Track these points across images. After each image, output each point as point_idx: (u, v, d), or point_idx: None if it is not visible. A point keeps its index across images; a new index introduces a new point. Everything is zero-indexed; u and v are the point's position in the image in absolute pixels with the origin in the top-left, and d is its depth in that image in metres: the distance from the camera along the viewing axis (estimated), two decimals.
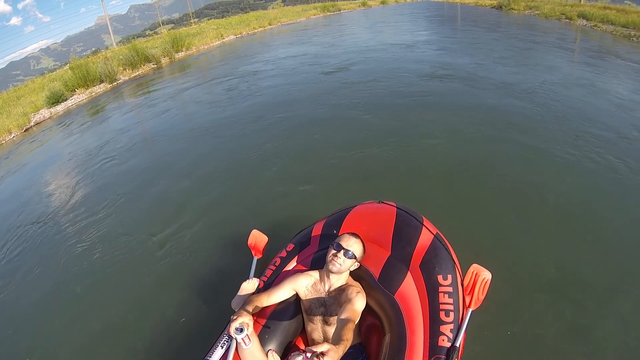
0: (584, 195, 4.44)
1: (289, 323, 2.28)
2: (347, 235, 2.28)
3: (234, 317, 1.95)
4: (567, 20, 17.57)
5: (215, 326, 2.47)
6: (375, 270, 2.34)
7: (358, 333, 2.24)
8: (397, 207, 2.59)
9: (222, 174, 5.63)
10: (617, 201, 4.30)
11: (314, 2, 41.93)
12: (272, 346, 2.16)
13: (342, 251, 2.19)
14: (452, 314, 2.10)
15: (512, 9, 23.36)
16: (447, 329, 2.04)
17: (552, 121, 5.95)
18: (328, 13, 31.73)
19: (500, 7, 25.05)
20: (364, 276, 2.36)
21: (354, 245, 2.22)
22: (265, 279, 2.49)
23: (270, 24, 25.93)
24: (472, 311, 2.20)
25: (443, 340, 2.00)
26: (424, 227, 2.45)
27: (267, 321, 2.22)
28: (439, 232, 2.45)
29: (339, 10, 33.71)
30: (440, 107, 6.89)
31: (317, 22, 26.05)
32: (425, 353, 1.97)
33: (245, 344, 1.91)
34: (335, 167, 5.33)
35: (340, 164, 5.36)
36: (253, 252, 2.79)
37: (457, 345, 1.99)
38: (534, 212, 4.27)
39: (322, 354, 1.59)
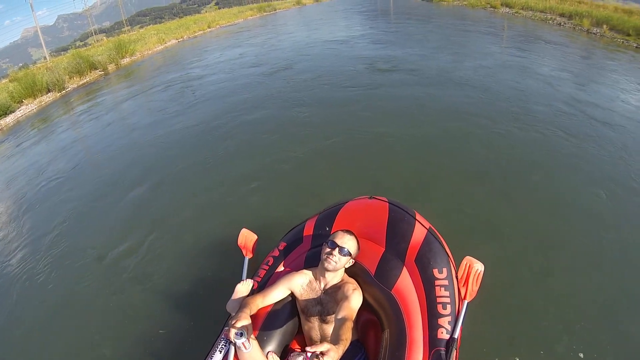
0: (563, 180, 4.62)
1: (285, 324, 2.26)
2: (341, 232, 2.26)
3: (233, 322, 1.93)
4: (492, 9, 18.73)
5: (211, 330, 2.45)
6: (371, 267, 2.33)
7: (355, 329, 2.21)
8: (389, 203, 2.60)
9: (194, 178, 5.47)
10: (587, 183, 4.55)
11: (248, 3, 41.66)
12: (270, 348, 2.14)
13: (337, 249, 2.17)
14: (449, 306, 2.13)
15: (442, 0, 24.37)
16: (445, 322, 2.06)
17: (506, 105, 6.36)
18: (264, 13, 31.66)
19: None
20: (359, 273, 2.36)
21: (348, 242, 2.21)
22: (259, 279, 2.46)
23: (209, 27, 25.61)
24: (467, 303, 2.23)
25: (442, 332, 2.03)
26: (416, 222, 2.46)
27: (264, 323, 2.19)
28: (432, 226, 2.47)
29: (275, 10, 33.68)
30: (393, 98, 7.07)
31: (255, 23, 25.95)
32: (426, 346, 1.99)
33: (245, 347, 1.89)
34: (291, 165, 5.35)
35: (292, 162, 5.41)
36: (244, 252, 2.74)
37: (456, 337, 2.02)
38: (519, 200, 4.39)
39: (322, 353, 1.59)
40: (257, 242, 2.83)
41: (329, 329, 2.17)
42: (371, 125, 6.08)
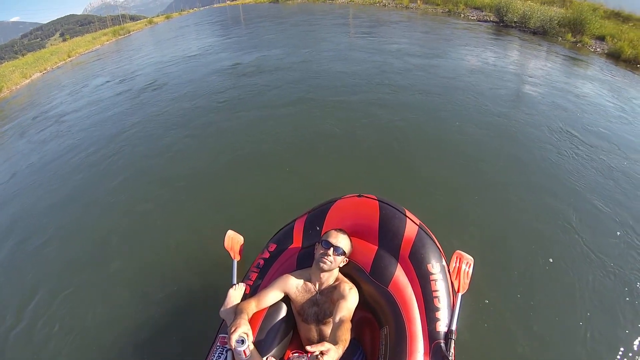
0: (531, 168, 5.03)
1: (281, 327, 2.23)
2: (334, 232, 2.26)
3: (232, 329, 1.91)
4: (330, 1, 20.64)
5: (204, 337, 2.48)
6: (366, 265, 2.36)
7: (351, 329, 2.14)
8: (378, 200, 2.61)
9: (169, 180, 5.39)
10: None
11: (95, 30, 39.48)
12: (268, 353, 2.11)
13: (331, 249, 2.17)
14: (444, 300, 2.19)
15: (287, 0, 25.84)
16: (442, 315, 2.12)
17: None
18: (119, 37, 30.61)
19: (277, 0, 27.43)
20: (355, 271, 2.38)
21: (342, 241, 2.22)
22: (250, 282, 2.43)
23: (69, 56, 24.26)
24: (461, 295, 2.29)
25: (440, 325, 2.09)
26: (407, 219, 2.49)
27: (260, 327, 2.16)
28: (422, 223, 2.51)
29: (129, 32, 32.61)
30: (276, 101, 7.42)
31: (111, 48, 24.78)
32: (426, 340, 2.04)
33: (245, 355, 1.87)
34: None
35: None
36: (232, 255, 2.67)
37: (453, 329, 2.09)
38: (502, 194, 4.64)
39: (322, 353, 1.61)
40: (243, 244, 2.79)
41: (326, 329, 2.19)
42: (300, 127, 6.33)
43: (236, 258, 2.63)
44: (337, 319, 1.99)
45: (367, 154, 5.48)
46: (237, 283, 2.39)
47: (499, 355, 2.90)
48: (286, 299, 2.29)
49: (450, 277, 2.34)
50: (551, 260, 3.67)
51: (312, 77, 8.42)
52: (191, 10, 48.90)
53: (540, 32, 14.11)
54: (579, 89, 8.06)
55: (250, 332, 1.96)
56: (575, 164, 5.13)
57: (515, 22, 14.77)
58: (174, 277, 3.66)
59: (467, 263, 2.47)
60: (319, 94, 7.35)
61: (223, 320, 2.20)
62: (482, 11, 16.52)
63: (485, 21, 15.58)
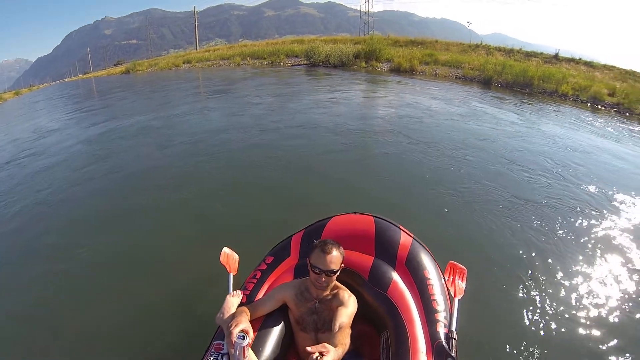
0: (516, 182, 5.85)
1: (279, 335, 2.20)
2: (321, 255, 2.11)
3: (234, 324, 1.88)
4: (176, 68, 23.45)
5: (198, 344, 2.45)
6: (364, 272, 2.40)
7: (350, 341, 2.06)
8: (374, 217, 2.72)
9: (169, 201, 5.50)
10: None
11: None
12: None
13: (323, 274, 2.10)
14: (442, 303, 2.24)
15: (138, 70, 27.69)
16: (441, 316, 2.17)
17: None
18: None
19: (128, 71, 28.75)
20: (353, 279, 2.40)
21: (332, 263, 2.10)
22: (247, 292, 2.41)
23: None
24: (458, 300, 2.35)
25: (440, 326, 2.13)
26: (402, 231, 2.60)
27: (257, 335, 2.11)
28: (415, 236, 2.61)
29: None
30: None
31: None
32: (427, 341, 2.07)
33: (244, 354, 1.80)
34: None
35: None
36: (227, 268, 2.63)
37: (453, 329, 2.13)
38: (490, 208, 5.10)
39: (321, 354, 1.63)
40: (239, 261, 2.77)
41: (325, 338, 2.09)
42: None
43: (232, 272, 2.61)
44: (336, 324, 1.99)
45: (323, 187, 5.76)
46: (233, 292, 2.36)
47: (498, 355, 3.04)
48: (283, 308, 2.26)
49: (446, 283, 2.44)
50: (537, 264, 4.09)
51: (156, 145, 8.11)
52: (42, 86, 46.98)
53: (339, 65, 18.58)
54: (387, 88, 13.04)
55: (250, 330, 1.93)
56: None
57: (322, 61, 18.95)
58: (168, 288, 3.67)
59: (460, 272, 2.59)
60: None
61: (219, 327, 2.13)
62: (298, 57, 20.59)
63: (300, 65, 19.56)
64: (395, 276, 2.41)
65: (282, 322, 2.26)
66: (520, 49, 24.41)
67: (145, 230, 4.83)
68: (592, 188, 6.18)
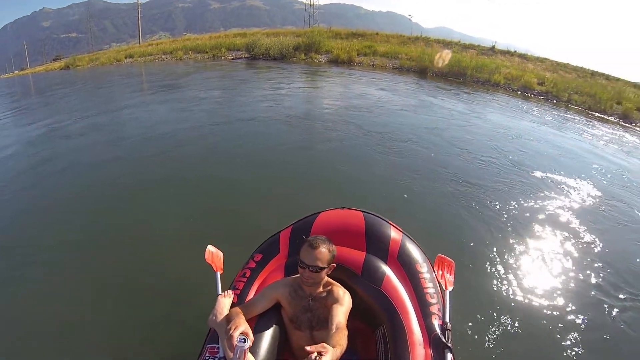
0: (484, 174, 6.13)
1: (273, 335, 2.15)
2: (309, 250, 2.07)
3: (233, 327, 1.85)
4: (117, 62, 23.03)
5: (189, 350, 2.41)
6: (357, 268, 2.39)
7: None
8: (363, 212, 2.71)
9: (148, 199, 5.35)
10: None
11: None
12: None
13: (307, 269, 2.07)
14: (435, 295, 2.29)
15: (78, 65, 26.46)
16: (435, 309, 2.22)
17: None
18: None
19: (68, 67, 27.39)
20: (347, 275, 2.38)
21: (317, 259, 2.06)
22: (237, 292, 2.36)
23: None
24: (449, 292, 2.40)
25: (435, 318, 2.17)
26: (392, 226, 2.61)
27: (253, 335, 2.01)
28: (404, 231, 2.63)
29: None
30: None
31: None
32: (424, 333, 2.10)
33: (245, 358, 1.74)
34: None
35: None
36: (214, 267, 2.60)
37: (448, 320, 2.17)
38: (474, 203, 5.25)
39: (320, 354, 1.62)
40: (224, 258, 2.74)
41: (320, 335, 2.09)
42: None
43: (219, 270, 2.57)
44: (333, 324, 1.96)
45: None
46: (224, 292, 2.31)
47: (490, 344, 3.14)
48: (276, 307, 2.22)
49: (436, 276, 2.47)
50: (518, 252, 4.34)
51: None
52: None
53: (279, 58, 19.14)
54: (327, 80, 13.91)
55: (250, 332, 1.92)
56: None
57: (262, 54, 19.42)
58: (152, 292, 3.59)
59: (448, 264, 2.65)
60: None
61: (210, 329, 2.10)
62: (239, 51, 20.95)
63: (241, 58, 19.95)
64: (388, 271, 2.41)
65: (276, 321, 2.22)
66: (459, 41, 26.06)
67: (114, 233, 4.55)
68: (537, 172, 6.79)
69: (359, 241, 2.57)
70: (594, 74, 22.49)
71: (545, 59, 24.58)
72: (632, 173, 8.02)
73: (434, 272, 2.53)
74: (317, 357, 1.62)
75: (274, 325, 2.19)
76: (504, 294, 3.76)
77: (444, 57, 19.19)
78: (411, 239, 2.64)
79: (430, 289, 2.35)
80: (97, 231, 4.64)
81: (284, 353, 2.22)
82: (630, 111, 15.85)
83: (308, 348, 1.66)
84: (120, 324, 3.29)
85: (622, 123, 14.94)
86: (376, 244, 2.55)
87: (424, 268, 2.45)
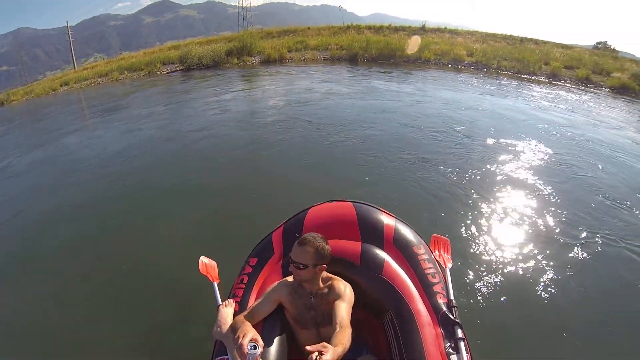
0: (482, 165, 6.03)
1: (280, 337, 2.13)
2: (296, 246, 2.11)
3: (240, 334, 1.83)
4: (54, 92, 21.90)
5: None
6: (355, 258, 2.40)
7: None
8: (352, 202, 2.69)
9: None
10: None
11: None
12: None
13: (292, 265, 2.08)
14: (437, 275, 2.31)
15: (13, 100, 24.18)
16: (438, 288, 2.23)
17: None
18: None
19: (2, 103, 25.18)
20: (345, 267, 2.39)
21: (300, 255, 2.07)
22: (238, 299, 2.32)
23: None
24: (449, 270, 2.45)
25: (439, 297, 2.19)
26: (383, 213, 2.63)
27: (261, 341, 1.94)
28: (396, 216, 2.63)
29: None
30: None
31: None
32: (431, 313, 2.12)
33: None
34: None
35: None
36: (210, 278, 2.57)
37: (452, 298, 2.20)
38: (463, 181, 5.46)
39: (321, 353, 1.60)
40: (218, 268, 2.71)
41: (327, 332, 2.05)
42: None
43: (215, 280, 2.54)
44: (337, 321, 1.93)
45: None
46: (224, 302, 2.28)
47: (493, 315, 3.20)
48: (279, 309, 2.20)
49: (434, 256, 2.47)
50: (510, 225, 4.52)
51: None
52: None
53: (213, 66, 19.48)
54: (263, 80, 14.77)
55: (259, 338, 1.87)
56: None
57: (196, 64, 19.63)
58: (154, 310, 3.57)
59: (444, 243, 2.68)
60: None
61: (216, 342, 2.07)
62: (174, 64, 20.97)
63: (176, 71, 20.04)
64: (386, 257, 2.42)
65: (281, 324, 2.20)
66: (390, 24, 26.73)
67: (80, 270, 4.36)
68: (488, 139, 7.30)
69: (353, 231, 2.56)
70: (522, 40, 24.01)
71: (475, 31, 26.05)
72: (571, 126, 8.96)
73: (431, 252, 2.55)
74: (318, 357, 1.60)
75: (279, 328, 2.17)
76: (492, 258, 3.97)
77: (413, 43, 20.18)
78: (404, 223, 2.65)
79: (430, 269, 2.35)
80: (55, 271, 4.45)
81: (292, 353, 2.19)
82: (558, 69, 17.48)
83: (308, 348, 1.63)
84: (123, 346, 3.29)
85: (553, 81, 16.57)
86: (370, 232, 2.54)
87: (421, 249, 2.46)
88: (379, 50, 20.03)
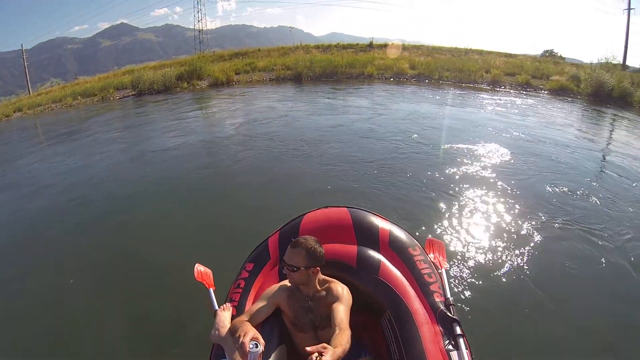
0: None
1: (279, 341, 2.13)
2: (288, 248, 2.12)
3: (241, 333, 1.83)
4: (7, 118, 21.21)
5: None
6: (351, 261, 2.42)
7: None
8: (347, 207, 2.76)
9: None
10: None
11: None
12: None
13: (286, 267, 2.09)
14: (433, 275, 2.35)
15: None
16: (435, 287, 2.27)
17: None
18: None
19: None
20: (343, 269, 2.40)
21: (293, 257, 2.07)
22: (235, 303, 2.32)
23: None
24: (444, 271, 2.49)
25: (436, 296, 2.22)
26: (378, 217, 2.69)
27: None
28: (391, 220, 2.71)
29: None
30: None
31: None
32: (429, 311, 2.14)
33: None
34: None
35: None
36: (206, 285, 2.54)
37: (449, 296, 2.22)
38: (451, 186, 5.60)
39: (320, 354, 1.59)
40: (213, 274, 2.70)
41: (324, 335, 2.06)
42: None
43: (211, 287, 2.52)
44: (336, 323, 1.93)
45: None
46: (222, 306, 2.26)
47: (488, 312, 3.24)
48: (276, 313, 2.19)
49: (430, 258, 2.55)
50: (504, 226, 4.62)
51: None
52: None
53: (163, 90, 19.93)
54: (213, 102, 15.12)
55: (260, 337, 1.86)
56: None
57: (147, 89, 20.05)
58: (151, 318, 3.59)
59: (439, 245, 2.75)
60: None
61: (214, 345, 2.05)
62: (127, 89, 21.21)
63: (128, 96, 20.22)
64: (382, 259, 2.43)
65: (279, 327, 2.19)
66: (339, 43, 28.08)
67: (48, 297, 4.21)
68: (443, 145, 7.68)
69: (349, 235, 2.58)
70: (467, 51, 25.50)
71: (422, 45, 27.47)
72: (522, 127, 9.82)
73: (427, 254, 2.60)
74: (318, 358, 1.59)
75: (277, 331, 2.16)
76: (475, 253, 4.15)
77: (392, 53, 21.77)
78: (399, 226, 2.70)
79: (426, 269, 2.39)
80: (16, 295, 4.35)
81: (290, 357, 2.19)
82: (498, 76, 18.93)
83: (308, 349, 1.62)
84: (118, 354, 3.31)
85: (494, 88, 17.92)
86: (366, 235, 2.57)
87: (416, 251, 2.50)
88: (322, 69, 20.94)
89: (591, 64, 20.05)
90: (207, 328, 2.15)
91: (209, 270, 2.72)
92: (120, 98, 20.12)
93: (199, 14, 47.42)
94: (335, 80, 19.84)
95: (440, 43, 28.08)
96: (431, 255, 2.68)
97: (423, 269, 2.39)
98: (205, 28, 48.31)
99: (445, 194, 5.51)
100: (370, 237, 2.56)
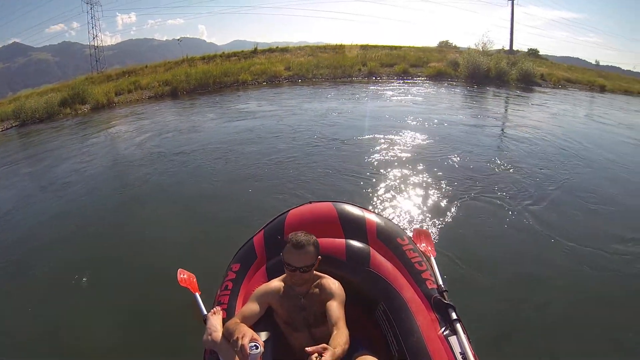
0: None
1: (273, 342, 2.10)
2: (293, 250, 2.02)
3: (239, 336, 1.76)
4: None
5: None
6: (341, 255, 2.39)
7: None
8: (332, 202, 2.73)
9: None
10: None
11: None
12: None
13: (297, 271, 2.02)
14: (423, 263, 2.34)
15: None
16: (427, 275, 2.27)
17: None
18: None
19: None
20: (332, 264, 2.36)
21: (304, 258, 2.02)
22: (224, 306, 2.26)
23: None
24: (434, 259, 2.50)
25: (430, 283, 2.22)
26: (363, 210, 2.66)
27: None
28: (377, 212, 2.58)
29: None
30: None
31: None
32: (423, 299, 2.14)
33: None
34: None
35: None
36: (191, 289, 2.50)
37: (441, 284, 2.23)
38: (436, 174, 5.68)
39: (320, 355, 1.58)
40: (197, 279, 2.65)
41: (319, 332, 2.06)
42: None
43: (197, 291, 2.48)
44: (333, 322, 1.90)
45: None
46: (211, 310, 2.21)
47: (481, 298, 3.28)
48: (267, 314, 2.15)
49: (418, 246, 2.55)
50: (487, 216, 4.56)
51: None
52: None
53: (47, 117, 18.27)
54: (99, 126, 13.73)
55: (259, 338, 1.82)
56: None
57: (30, 118, 18.12)
58: (140, 328, 3.49)
59: (426, 234, 2.80)
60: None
61: (206, 351, 2.01)
62: (9, 119, 18.57)
63: (10, 128, 17.73)
64: (372, 250, 2.41)
65: (272, 328, 2.14)
66: (223, 52, 28.27)
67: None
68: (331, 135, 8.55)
69: (335, 229, 2.55)
70: (351, 47, 26.60)
71: (306, 45, 28.57)
72: (416, 113, 11.02)
73: (415, 244, 2.57)
74: (318, 358, 1.58)
75: (271, 332, 2.11)
76: (452, 235, 4.18)
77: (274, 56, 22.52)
78: (385, 218, 2.68)
79: (416, 257, 2.38)
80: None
81: (284, 357, 2.14)
82: (375, 68, 20.97)
83: (308, 349, 1.61)
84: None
85: (371, 80, 19.58)
86: (353, 228, 2.54)
87: (405, 241, 2.48)
88: (197, 81, 20.85)
89: (468, 48, 22.90)
90: (195, 334, 2.12)
91: (192, 275, 2.73)
92: (2, 130, 17.46)
93: (94, 29, 44.10)
94: (208, 91, 19.88)
95: (337, 42, 28.93)
96: (421, 245, 2.74)
97: (413, 257, 2.40)
98: (103, 44, 45.25)
99: (361, 180, 5.98)
100: (357, 229, 2.56)
